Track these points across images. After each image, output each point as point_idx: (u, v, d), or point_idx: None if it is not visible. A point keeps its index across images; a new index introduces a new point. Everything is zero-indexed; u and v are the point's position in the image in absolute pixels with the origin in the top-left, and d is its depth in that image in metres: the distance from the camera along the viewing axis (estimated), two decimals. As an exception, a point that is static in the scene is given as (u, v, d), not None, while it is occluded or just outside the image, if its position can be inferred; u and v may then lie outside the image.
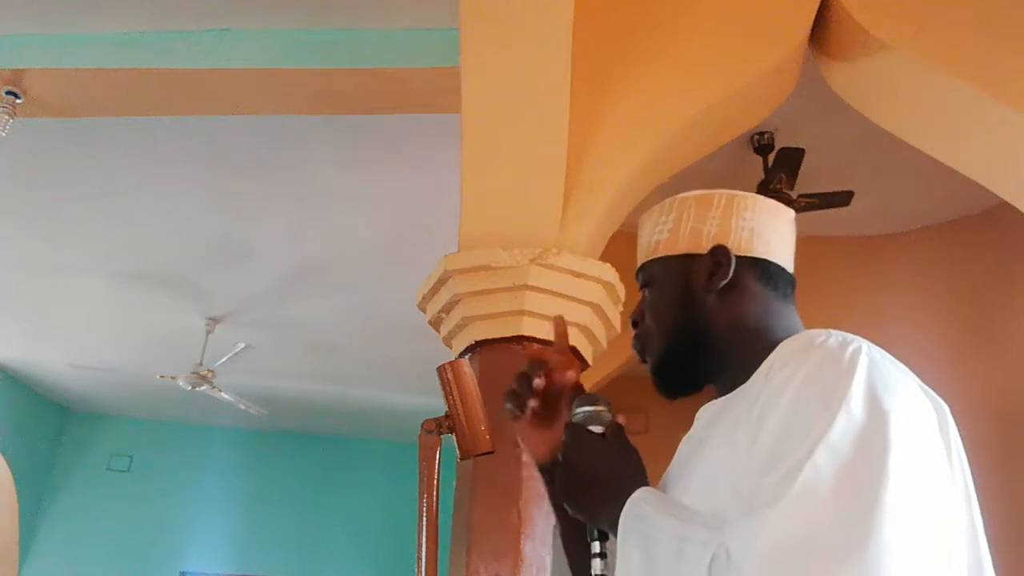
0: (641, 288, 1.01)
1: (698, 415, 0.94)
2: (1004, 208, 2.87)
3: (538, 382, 0.98)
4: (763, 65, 2.41)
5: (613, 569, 0.82)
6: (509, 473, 1.99)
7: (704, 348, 0.93)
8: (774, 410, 0.75)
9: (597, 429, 0.90)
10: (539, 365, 0.99)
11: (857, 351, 0.76)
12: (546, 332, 2.19)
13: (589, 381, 3.00)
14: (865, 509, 0.66)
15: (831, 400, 0.71)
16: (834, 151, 3.51)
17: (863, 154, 3.52)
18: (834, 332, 0.81)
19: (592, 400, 0.93)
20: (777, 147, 3.44)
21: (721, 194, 0.96)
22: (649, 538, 0.77)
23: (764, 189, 3.31)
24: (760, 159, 3.51)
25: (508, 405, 1.01)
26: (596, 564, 0.85)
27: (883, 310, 3.92)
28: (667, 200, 1.00)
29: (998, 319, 3.82)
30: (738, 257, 0.92)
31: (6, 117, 2.90)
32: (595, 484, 0.87)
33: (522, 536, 1.94)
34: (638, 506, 0.80)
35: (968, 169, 2.52)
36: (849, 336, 0.80)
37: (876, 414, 0.71)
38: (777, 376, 0.79)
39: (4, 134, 2.92)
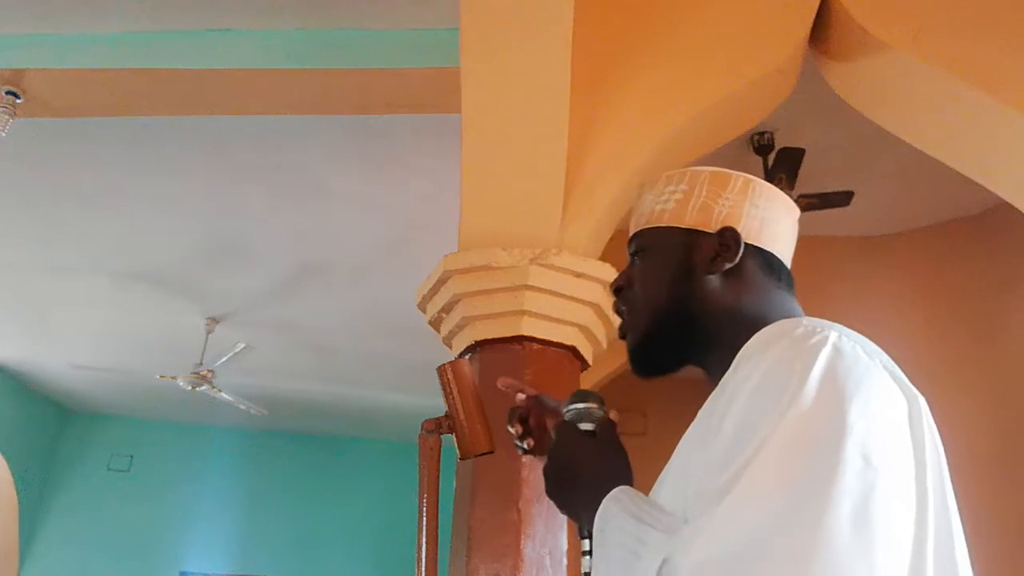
0: (632, 255, 0.96)
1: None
2: (1003, 208, 2.87)
3: (512, 430, 1.01)
4: (763, 65, 2.41)
5: None
6: (509, 473, 1.99)
7: (692, 330, 0.89)
8: (734, 407, 0.72)
9: (587, 426, 0.90)
10: (510, 415, 1.02)
11: (821, 342, 0.72)
12: (546, 332, 2.19)
13: (589, 381, 3.00)
14: (811, 507, 0.62)
15: (783, 397, 0.68)
16: (834, 151, 3.51)
17: (863, 154, 3.52)
18: (805, 321, 0.78)
19: (583, 397, 0.92)
20: (777, 147, 3.44)
21: (738, 176, 0.92)
22: (610, 539, 0.76)
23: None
24: (760, 159, 3.51)
25: (518, 451, 1.03)
26: (584, 562, 0.85)
27: (882, 310, 3.92)
28: (677, 170, 0.95)
29: (997, 319, 3.82)
30: (745, 244, 0.89)
31: (6, 117, 2.90)
32: (577, 482, 0.86)
33: (522, 536, 1.94)
34: (608, 506, 0.79)
35: (968, 169, 2.52)
36: (819, 325, 0.76)
37: (830, 407, 0.67)
38: (742, 370, 0.75)
39: (4, 134, 2.92)
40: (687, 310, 0.89)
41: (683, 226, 0.91)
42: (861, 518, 0.62)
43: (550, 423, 1.00)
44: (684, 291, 0.89)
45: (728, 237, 0.89)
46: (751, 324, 0.83)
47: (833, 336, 0.73)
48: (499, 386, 1.05)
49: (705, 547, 0.64)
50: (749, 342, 0.80)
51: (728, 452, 0.69)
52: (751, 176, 0.93)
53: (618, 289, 0.96)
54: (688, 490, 0.75)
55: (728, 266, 0.88)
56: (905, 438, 0.70)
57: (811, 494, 0.63)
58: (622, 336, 0.95)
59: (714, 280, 0.89)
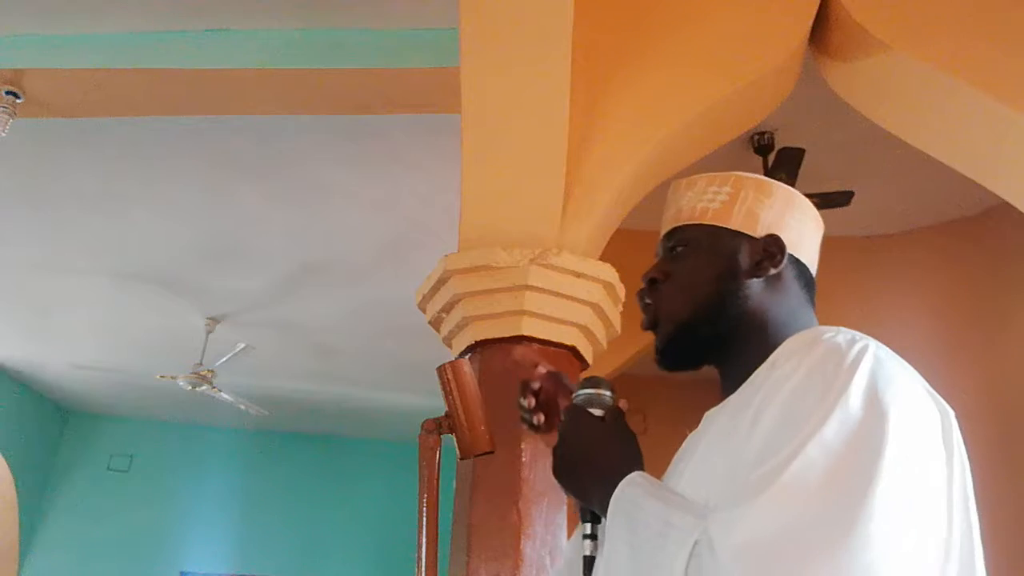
0: (671, 248, 0.96)
1: (706, 415, 0.93)
2: (1004, 208, 2.87)
3: (525, 402, 1.01)
4: (763, 65, 2.41)
5: None
6: (509, 473, 1.99)
7: (727, 329, 0.91)
8: (773, 401, 0.75)
9: (597, 412, 0.90)
10: (523, 387, 1.02)
11: (863, 349, 0.75)
12: (546, 332, 2.19)
13: (589, 381, 2.96)
14: (852, 505, 0.65)
15: (829, 395, 0.71)
16: (834, 151, 3.51)
17: (863, 154, 3.52)
18: (843, 329, 0.81)
19: (594, 383, 0.92)
20: (777, 147, 3.44)
21: (779, 185, 0.95)
22: (634, 520, 0.76)
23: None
24: (760, 159, 3.52)
25: (524, 424, 1.03)
26: (587, 545, 0.85)
27: (883, 310, 3.92)
28: (720, 172, 0.97)
29: (998, 318, 3.82)
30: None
31: (6, 117, 2.90)
32: (587, 465, 0.86)
33: (522, 536, 1.94)
34: (627, 489, 0.79)
35: (968, 169, 2.52)
36: (858, 334, 0.79)
37: (874, 412, 0.70)
38: (781, 368, 0.79)
39: (4, 134, 2.92)
40: (726, 310, 0.91)
41: (729, 227, 0.93)
42: (897, 521, 0.65)
43: (563, 402, 1.00)
44: (727, 290, 0.91)
45: (773, 244, 0.91)
46: (778, 332, 0.88)
47: (872, 346, 0.77)
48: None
49: (749, 530, 0.66)
50: (788, 342, 0.84)
51: (768, 446, 0.71)
52: (791, 188, 0.97)
53: (652, 281, 0.96)
54: (713, 482, 0.77)
55: (772, 272, 0.91)
56: (939, 449, 0.74)
57: (852, 495, 0.66)
58: (650, 327, 0.95)
59: (755, 284, 0.91)
